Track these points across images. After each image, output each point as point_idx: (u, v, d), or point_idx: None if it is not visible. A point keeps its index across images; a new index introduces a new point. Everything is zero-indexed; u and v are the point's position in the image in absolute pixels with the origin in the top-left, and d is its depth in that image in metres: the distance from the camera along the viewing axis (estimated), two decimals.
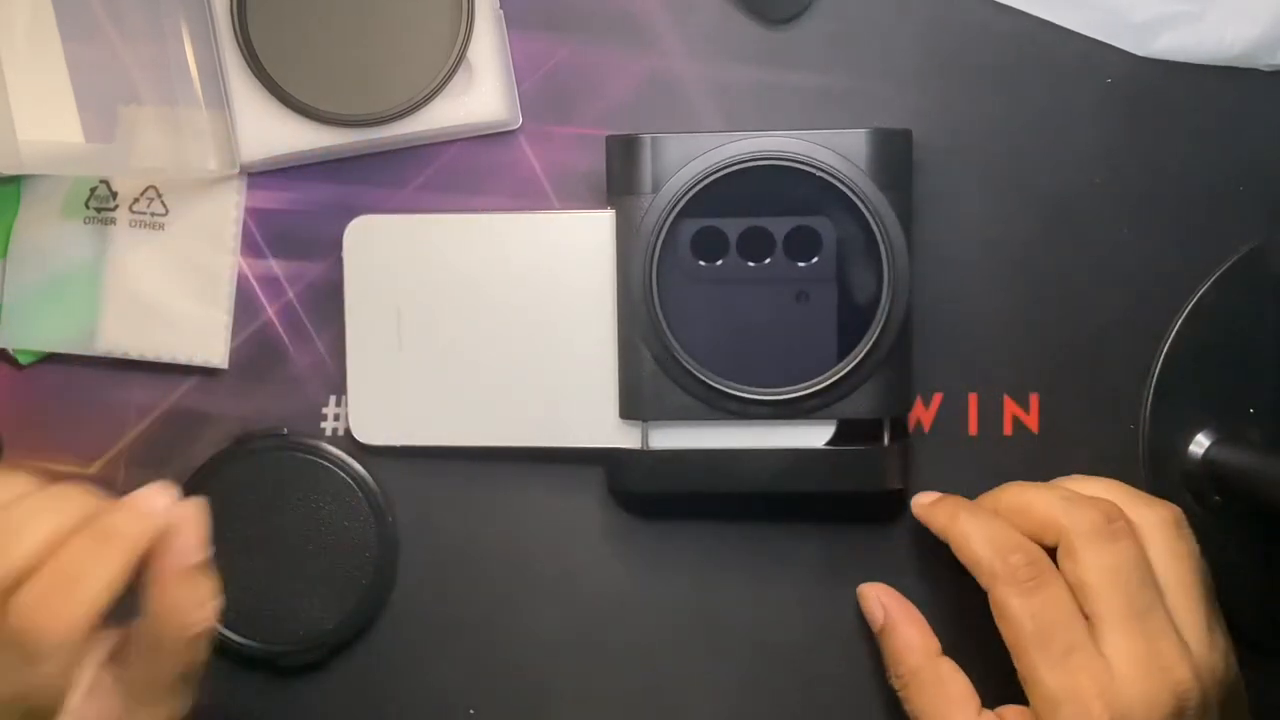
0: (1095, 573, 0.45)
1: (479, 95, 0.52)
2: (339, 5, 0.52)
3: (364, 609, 0.52)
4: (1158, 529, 0.47)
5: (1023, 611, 0.45)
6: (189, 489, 0.52)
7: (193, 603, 0.43)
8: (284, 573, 0.52)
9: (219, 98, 0.52)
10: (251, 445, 0.52)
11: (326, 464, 0.52)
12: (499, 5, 0.52)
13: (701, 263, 0.50)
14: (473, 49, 0.52)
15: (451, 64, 0.51)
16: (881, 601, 0.51)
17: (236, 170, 0.52)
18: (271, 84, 0.51)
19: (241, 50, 0.51)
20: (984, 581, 0.47)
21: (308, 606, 0.52)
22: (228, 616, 0.52)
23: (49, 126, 0.51)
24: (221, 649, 0.52)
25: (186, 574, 0.43)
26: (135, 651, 0.43)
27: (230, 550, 0.52)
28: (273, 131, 0.52)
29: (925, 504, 0.51)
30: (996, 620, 0.46)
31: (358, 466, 0.53)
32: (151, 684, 0.43)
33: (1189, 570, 0.47)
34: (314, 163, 0.53)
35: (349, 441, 0.53)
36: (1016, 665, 0.46)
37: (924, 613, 0.52)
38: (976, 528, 0.47)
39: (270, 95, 0.51)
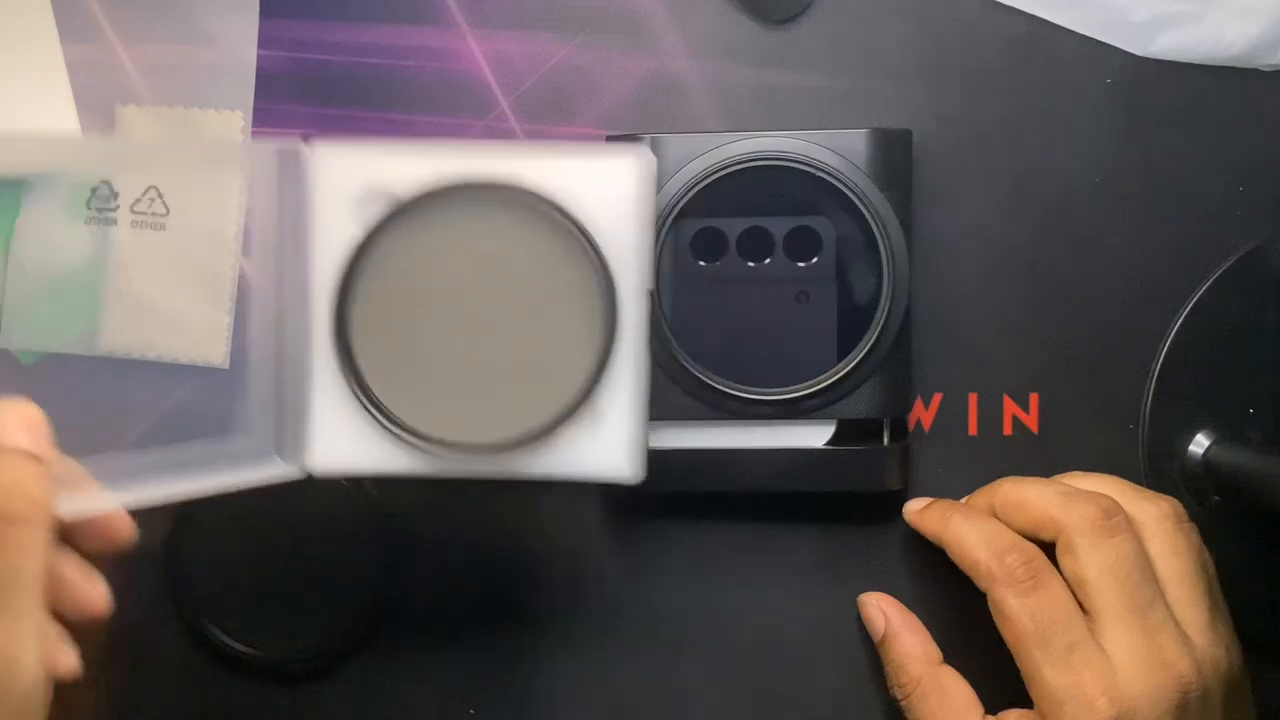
0: (1094, 569, 0.45)
1: (600, 445, 0.44)
2: (457, 316, 0.44)
3: (367, 616, 0.52)
4: (1158, 524, 0.47)
5: (1022, 611, 0.45)
6: (189, 501, 0.52)
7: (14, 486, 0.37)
8: (287, 581, 0.52)
9: (296, 390, 0.45)
10: None
11: None
12: (645, 345, 0.44)
13: (701, 263, 0.50)
14: (603, 391, 0.44)
15: (573, 404, 0.43)
16: (883, 610, 0.51)
17: (301, 475, 0.45)
18: (366, 393, 0.44)
19: (335, 342, 0.44)
20: (982, 583, 0.47)
21: (311, 614, 0.52)
22: (233, 625, 0.52)
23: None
24: (225, 658, 0.52)
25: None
26: None
27: (233, 560, 0.52)
28: (356, 447, 0.44)
29: (917, 510, 0.51)
30: (996, 621, 0.46)
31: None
32: None
33: (1190, 564, 0.47)
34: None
35: None
36: (1019, 665, 0.46)
37: (924, 614, 0.52)
38: (970, 530, 0.47)
39: (361, 406, 0.44)
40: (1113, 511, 0.46)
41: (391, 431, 0.43)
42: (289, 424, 0.44)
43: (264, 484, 0.44)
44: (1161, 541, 0.47)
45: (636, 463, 0.44)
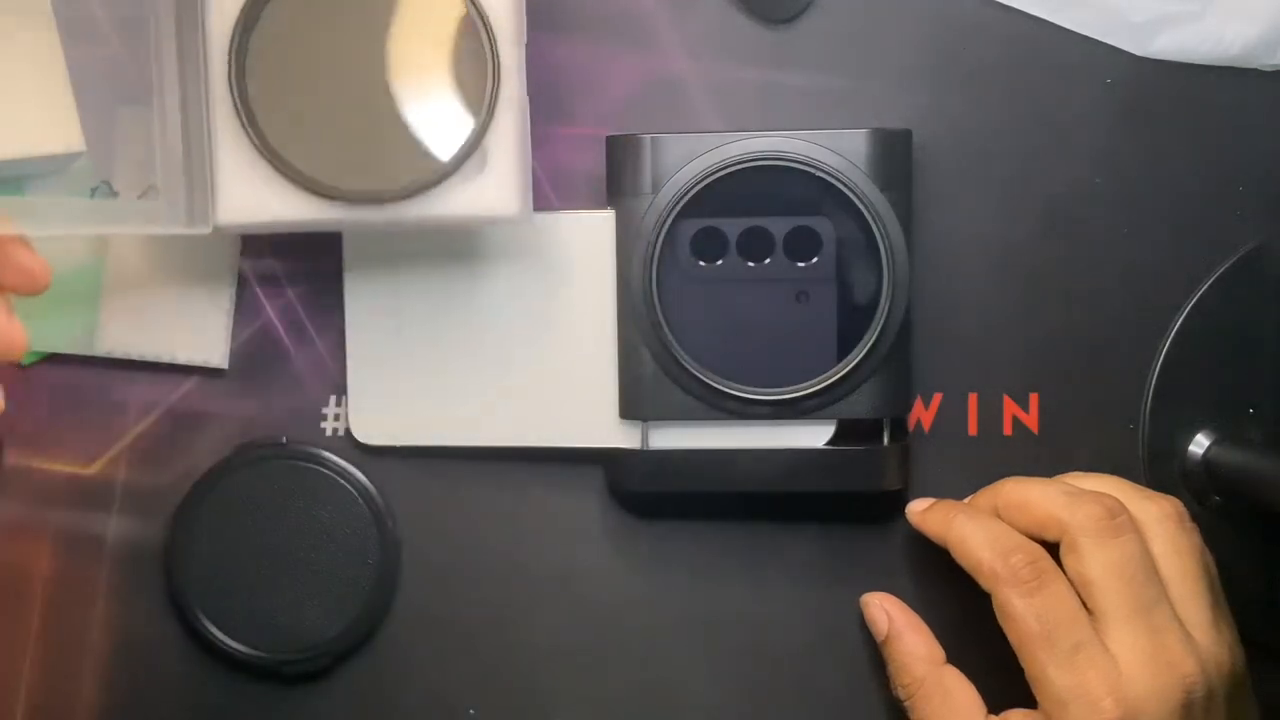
0: (1099, 569, 0.45)
1: (491, 187, 0.47)
2: (350, 72, 0.46)
3: (367, 616, 0.53)
4: (1160, 523, 0.47)
5: (1027, 612, 0.45)
6: (189, 501, 0.52)
7: None
8: (287, 581, 0.52)
9: (201, 147, 0.46)
10: (251, 455, 0.52)
11: (327, 472, 0.52)
12: (525, 93, 0.47)
13: (701, 263, 0.50)
14: (490, 136, 0.46)
15: (465, 149, 0.46)
16: (886, 610, 0.51)
17: (209, 231, 0.47)
18: (263, 143, 0.46)
19: (234, 100, 0.46)
20: (986, 584, 0.47)
21: (311, 615, 0.52)
22: (233, 626, 0.52)
23: (50, 133, 0.51)
24: (225, 658, 0.52)
25: None
26: None
27: (233, 560, 0.52)
28: (257, 196, 0.46)
29: (919, 510, 0.51)
30: (1001, 622, 0.46)
31: (358, 474, 0.53)
32: None
33: (1192, 564, 0.47)
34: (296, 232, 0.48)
35: (349, 442, 0.53)
36: (1023, 665, 0.46)
37: (925, 614, 0.52)
38: (974, 530, 0.47)
39: (260, 155, 0.46)
40: (1117, 511, 0.46)
41: (291, 180, 0.45)
42: (199, 190, 0.46)
43: (173, 234, 0.47)
44: (1164, 541, 0.47)
45: (522, 202, 0.47)
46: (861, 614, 0.53)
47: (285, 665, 0.52)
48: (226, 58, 0.46)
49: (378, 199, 0.46)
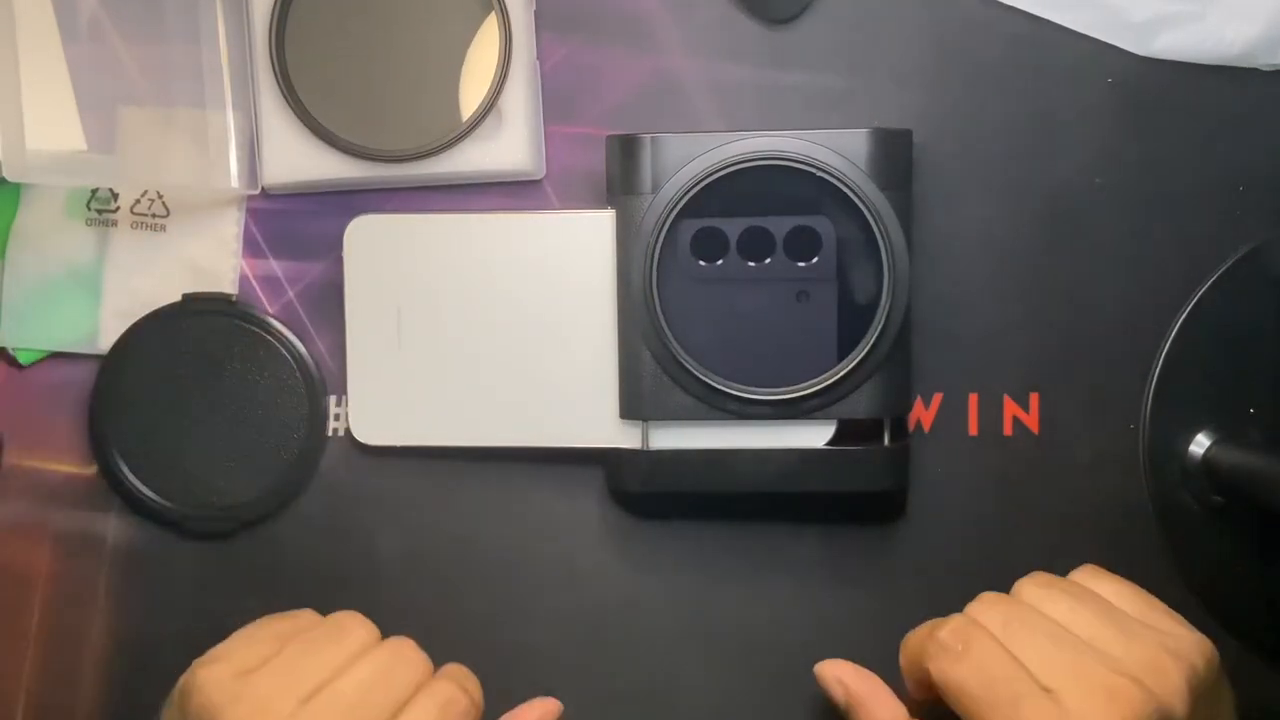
0: (958, 684, 0.44)
1: (506, 143, 0.52)
2: (376, 42, 0.52)
3: (282, 488, 0.53)
4: (1047, 589, 0.45)
5: (965, 678, 0.43)
6: (128, 336, 0.52)
7: None
8: (208, 439, 0.52)
9: (249, 115, 0.52)
10: (197, 306, 0.52)
11: (268, 337, 0.52)
12: (536, 56, 0.52)
13: (701, 263, 0.50)
14: (505, 97, 0.51)
15: (482, 109, 0.51)
16: (840, 680, 0.49)
17: (258, 190, 0.52)
18: (302, 110, 0.51)
19: (275, 72, 0.51)
20: (926, 667, 0.45)
21: (225, 476, 0.52)
22: (144, 472, 0.52)
23: (51, 133, 0.51)
24: (137, 503, 0.52)
25: None
26: None
27: (158, 408, 0.52)
28: (298, 158, 0.52)
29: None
30: (947, 700, 0.44)
31: (300, 346, 0.53)
32: None
33: (1098, 610, 0.45)
34: (329, 191, 0.53)
35: (349, 442, 0.53)
36: None
37: (927, 613, 0.51)
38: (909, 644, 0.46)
39: (299, 121, 0.51)
40: (959, 629, 0.44)
41: (328, 143, 0.51)
42: (246, 162, 0.52)
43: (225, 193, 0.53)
44: (1060, 604, 0.45)
45: (535, 158, 0.52)
46: (863, 613, 0.53)
47: (189, 520, 0.52)
48: (268, 34, 0.51)
49: (405, 158, 0.51)
